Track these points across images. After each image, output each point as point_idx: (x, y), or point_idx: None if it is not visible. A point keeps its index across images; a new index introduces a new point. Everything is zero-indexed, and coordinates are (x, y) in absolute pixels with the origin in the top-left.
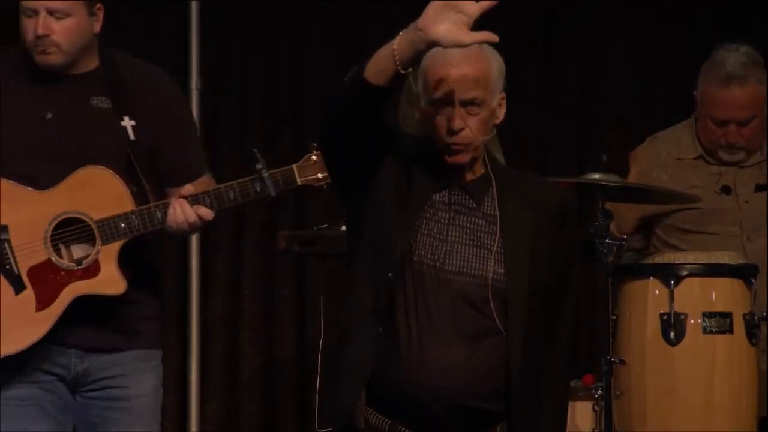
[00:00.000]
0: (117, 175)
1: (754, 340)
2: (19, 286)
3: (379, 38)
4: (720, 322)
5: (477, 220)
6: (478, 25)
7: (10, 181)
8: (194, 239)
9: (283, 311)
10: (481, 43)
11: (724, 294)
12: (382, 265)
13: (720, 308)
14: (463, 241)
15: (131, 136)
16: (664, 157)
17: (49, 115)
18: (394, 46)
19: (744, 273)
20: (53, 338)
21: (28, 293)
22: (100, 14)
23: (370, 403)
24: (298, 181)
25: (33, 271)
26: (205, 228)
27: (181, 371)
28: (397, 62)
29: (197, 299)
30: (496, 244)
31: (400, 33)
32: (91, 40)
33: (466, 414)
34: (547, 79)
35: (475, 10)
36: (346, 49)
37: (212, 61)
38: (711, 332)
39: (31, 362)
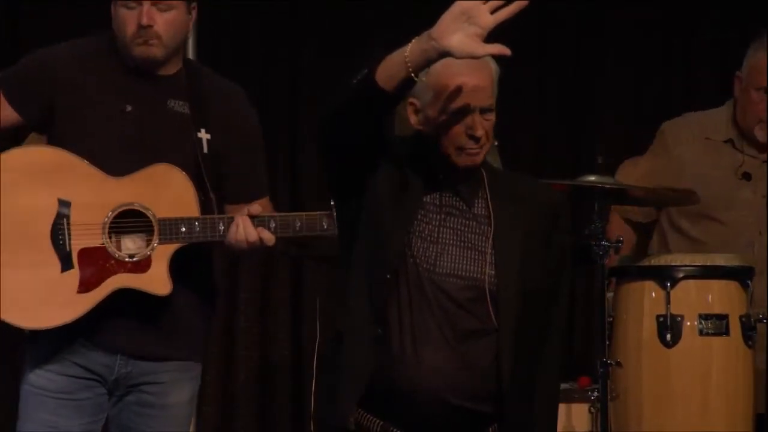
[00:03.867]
0: (190, 180)
1: (750, 342)
2: (66, 264)
3: (374, 43)
4: (716, 324)
5: (468, 222)
6: None
7: (85, 162)
8: None
9: (279, 314)
10: (493, 55)
11: (721, 296)
12: (378, 267)
13: (716, 310)
14: (454, 242)
15: (205, 149)
16: (692, 135)
17: (129, 108)
18: (406, 53)
19: (740, 275)
20: (99, 341)
21: (74, 273)
22: (194, 14)
23: (361, 404)
24: None
25: (84, 253)
26: (263, 252)
27: None
28: (410, 69)
29: None
30: (486, 246)
31: (413, 40)
32: (184, 38)
33: (457, 415)
34: (543, 82)
35: (489, 22)
36: (342, 52)
37: (207, 63)
38: (707, 334)
39: (74, 358)
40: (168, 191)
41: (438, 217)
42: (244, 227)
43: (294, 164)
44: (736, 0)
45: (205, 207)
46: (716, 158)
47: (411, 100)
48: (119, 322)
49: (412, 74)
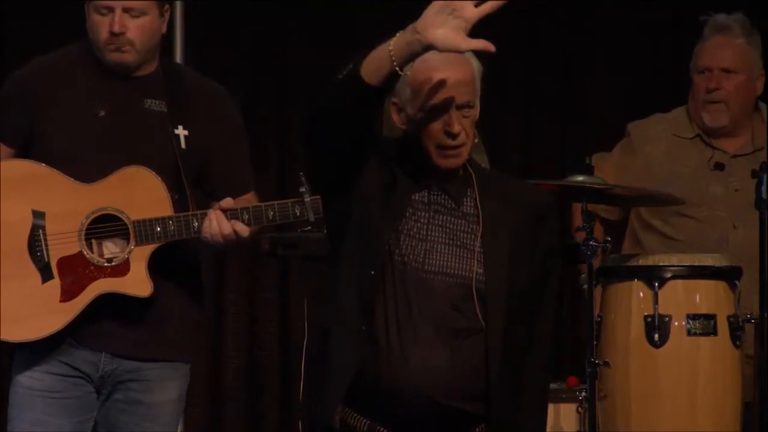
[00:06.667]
0: (160, 179)
1: (738, 342)
2: (46, 275)
3: (363, 41)
4: (704, 324)
5: (456, 220)
6: None
7: (55, 171)
8: None
9: (267, 314)
10: (478, 51)
11: (708, 296)
12: (364, 265)
13: (704, 310)
14: (443, 240)
15: (182, 145)
16: (660, 133)
17: (102, 113)
18: (390, 47)
19: (728, 275)
20: (85, 341)
21: (55, 283)
22: (167, 16)
23: (348, 403)
24: None
25: (63, 262)
26: (241, 245)
27: None
28: (395, 63)
29: None
30: (475, 244)
31: (398, 34)
32: (158, 41)
33: (445, 414)
34: (531, 82)
35: (473, 14)
36: (330, 51)
37: (196, 62)
38: (695, 334)
39: (60, 356)
40: (140, 192)
41: (426, 214)
42: (218, 221)
43: (282, 161)
44: (727, 1)
45: (182, 204)
46: (686, 155)
47: (393, 99)
48: (104, 322)
49: (397, 68)
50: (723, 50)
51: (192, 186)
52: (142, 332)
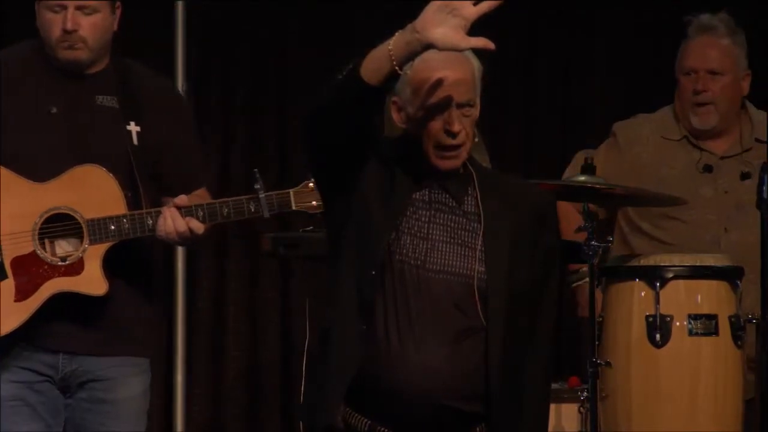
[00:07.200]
0: (113, 177)
1: (739, 342)
2: (0, 275)
3: (363, 42)
4: (705, 324)
5: (458, 219)
6: None
7: (8, 170)
8: None
9: (268, 314)
10: (477, 49)
11: (710, 296)
12: (364, 264)
13: (705, 310)
14: (444, 239)
15: (135, 141)
16: (647, 135)
17: (54, 110)
18: (390, 47)
19: (729, 275)
20: (41, 343)
21: (9, 283)
22: (119, 13)
23: (349, 403)
24: (293, 206)
25: (17, 262)
26: (196, 241)
27: (167, 374)
28: (395, 62)
29: (182, 302)
30: (476, 242)
31: (397, 33)
32: (110, 38)
33: (445, 414)
34: (531, 82)
35: (472, 13)
36: (331, 53)
37: (196, 62)
38: (696, 334)
39: (19, 362)
40: (93, 191)
41: (427, 213)
42: (173, 219)
43: (283, 161)
44: (725, 2)
45: (136, 201)
46: (674, 157)
47: (394, 98)
48: (59, 323)
49: (397, 67)
50: (709, 51)
51: (145, 182)
52: (98, 330)
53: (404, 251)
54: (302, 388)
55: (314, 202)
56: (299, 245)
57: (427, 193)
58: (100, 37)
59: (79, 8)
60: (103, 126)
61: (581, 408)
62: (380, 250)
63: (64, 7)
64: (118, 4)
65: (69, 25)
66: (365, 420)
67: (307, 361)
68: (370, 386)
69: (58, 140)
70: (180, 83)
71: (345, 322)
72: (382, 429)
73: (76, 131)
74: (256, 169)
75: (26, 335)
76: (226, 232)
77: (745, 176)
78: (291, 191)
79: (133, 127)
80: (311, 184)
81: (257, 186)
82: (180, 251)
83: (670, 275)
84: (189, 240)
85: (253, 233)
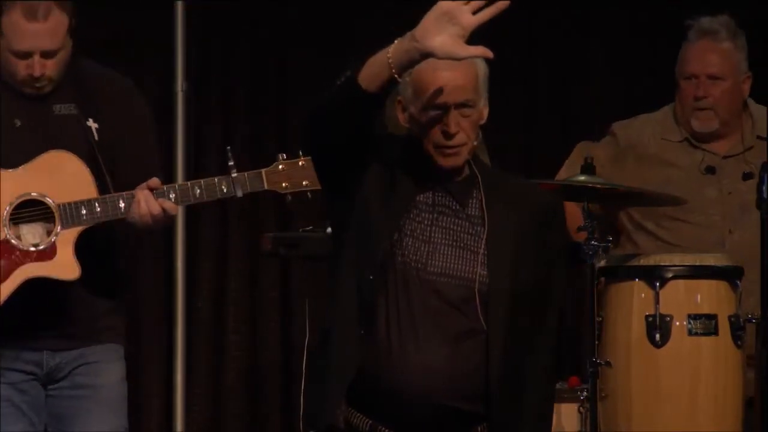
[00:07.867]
0: (83, 162)
1: (739, 342)
2: None
3: (363, 42)
4: (705, 324)
5: (460, 222)
6: None
7: None
8: (179, 242)
9: (268, 314)
10: (475, 57)
11: (710, 296)
12: (365, 266)
13: (705, 310)
14: (446, 242)
15: (95, 137)
16: (648, 136)
17: (19, 123)
18: (389, 54)
19: (729, 275)
20: (23, 343)
21: None
22: (74, 21)
23: (351, 403)
24: (266, 185)
25: None
26: (168, 223)
27: (167, 374)
28: (393, 70)
29: (182, 301)
30: (479, 246)
31: (396, 41)
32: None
33: (446, 415)
34: (532, 81)
35: (471, 22)
36: (331, 53)
37: (197, 63)
38: (696, 334)
39: (4, 364)
40: (64, 176)
41: (430, 216)
42: (146, 201)
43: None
44: (723, 2)
45: (103, 192)
46: (676, 158)
47: (399, 98)
48: (39, 320)
49: (395, 75)
50: (709, 56)
51: (111, 176)
52: (75, 320)
53: (406, 253)
54: (302, 388)
55: (284, 183)
56: (299, 245)
57: (430, 195)
58: (63, 68)
59: (44, 55)
60: (64, 131)
61: (581, 408)
62: (380, 252)
63: (30, 55)
64: (74, 22)
65: (36, 72)
66: (366, 420)
67: (307, 361)
68: (371, 386)
69: (24, 152)
70: (180, 83)
71: (345, 322)
72: (383, 429)
73: (38, 141)
74: (229, 147)
75: (8, 338)
76: (227, 232)
77: (747, 176)
78: (263, 171)
79: (92, 124)
80: (281, 166)
81: (230, 163)
82: (179, 251)
83: (670, 275)
84: (161, 222)
85: (254, 233)
